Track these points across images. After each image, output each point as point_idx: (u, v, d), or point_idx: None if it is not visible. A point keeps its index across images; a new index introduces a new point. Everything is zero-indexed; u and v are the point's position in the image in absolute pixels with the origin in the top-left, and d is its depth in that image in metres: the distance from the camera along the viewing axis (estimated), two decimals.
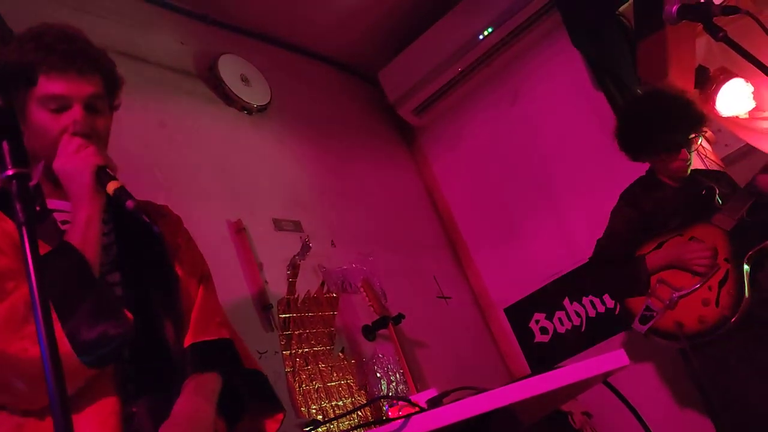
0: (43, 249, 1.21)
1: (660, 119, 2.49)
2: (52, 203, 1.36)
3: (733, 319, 2.24)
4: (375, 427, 0.96)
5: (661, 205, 2.56)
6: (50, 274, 1.16)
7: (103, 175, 1.28)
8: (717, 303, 2.29)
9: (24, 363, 1.13)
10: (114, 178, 1.28)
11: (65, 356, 1.12)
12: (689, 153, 2.51)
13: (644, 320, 2.43)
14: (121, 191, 1.25)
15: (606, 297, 3.38)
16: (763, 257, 2.37)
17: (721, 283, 2.32)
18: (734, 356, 2.27)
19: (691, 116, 2.51)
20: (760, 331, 2.27)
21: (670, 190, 2.59)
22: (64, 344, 1.13)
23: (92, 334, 1.16)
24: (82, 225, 1.27)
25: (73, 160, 1.28)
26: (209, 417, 1.30)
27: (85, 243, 1.26)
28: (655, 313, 2.40)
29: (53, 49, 1.30)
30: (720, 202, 2.48)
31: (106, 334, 1.17)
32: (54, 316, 1.14)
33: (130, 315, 1.22)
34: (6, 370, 1.15)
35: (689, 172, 2.57)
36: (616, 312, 3.33)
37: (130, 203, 1.22)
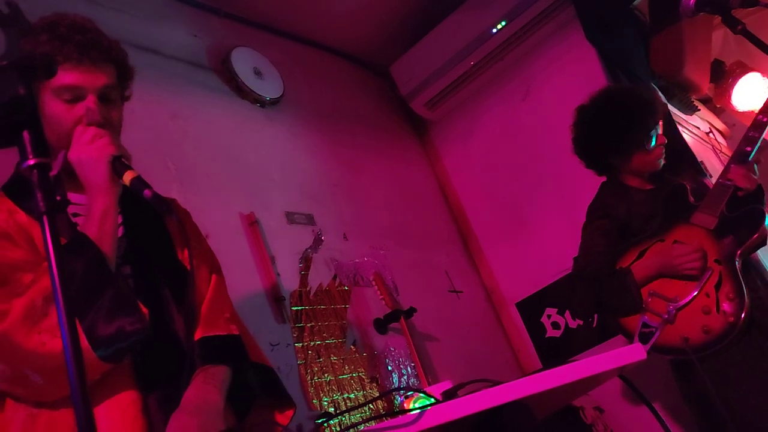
0: None
1: (624, 111, 2.39)
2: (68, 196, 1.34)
3: (740, 324, 2.10)
4: (390, 418, 0.96)
5: (635, 209, 2.43)
6: (66, 269, 1.18)
7: (118, 164, 1.28)
8: (718, 309, 2.15)
9: (41, 357, 1.14)
10: (130, 168, 1.27)
11: (82, 351, 1.13)
12: (658, 148, 2.42)
13: (644, 338, 2.24)
14: (138, 180, 1.24)
15: None
16: (749, 254, 2.25)
17: (717, 287, 2.17)
18: (736, 368, 2.14)
19: (653, 104, 2.43)
20: (760, 339, 2.15)
21: (640, 194, 2.46)
22: (81, 339, 1.12)
23: (110, 330, 1.16)
24: (98, 217, 1.27)
25: (88, 150, 1.28)
26: (219, 405, 1.30)
27: (102, 235, 1.25)
28: (654, 329, 2.23)
29: (67, 39, 1.30)
30: (693, 199, 2.35)
31: (123, 330, 1.17)
32: None
33: (145, 309, 1.22)
34: (23, 365, 1.16)
35: (662, 162, 2.46)
36: None
37: (147, 192, 1.21)
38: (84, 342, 1.13)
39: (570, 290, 2.53)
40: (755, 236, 2.19)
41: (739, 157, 2.26)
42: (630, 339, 2.32)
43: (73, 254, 1.21)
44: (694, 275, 2.21)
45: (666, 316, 2.22)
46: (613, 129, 2.42)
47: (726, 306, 2.14)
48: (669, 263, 2.24)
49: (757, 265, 2.35)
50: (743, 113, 3.88)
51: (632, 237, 2.41)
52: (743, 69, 3.73)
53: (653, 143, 2.42)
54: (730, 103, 3.79)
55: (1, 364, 1.16)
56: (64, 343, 0.73)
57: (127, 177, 1.25)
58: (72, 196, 1.35)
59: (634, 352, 1.13)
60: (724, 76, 3.76)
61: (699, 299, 2.20)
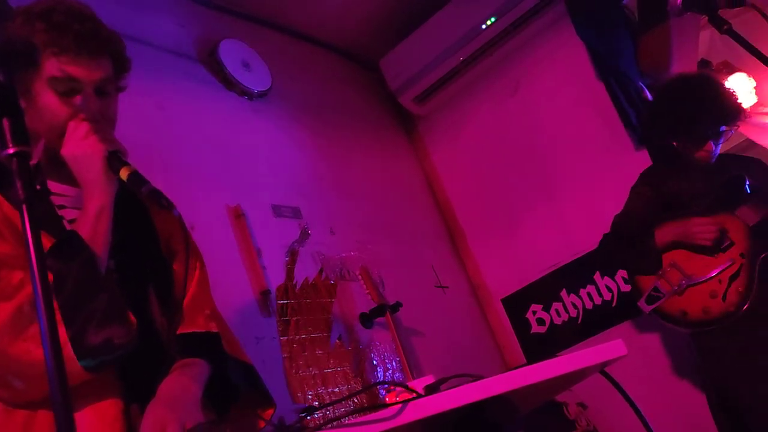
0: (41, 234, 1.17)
1: (698, 106, 2.44)
2: (49, 185, 1.31)
3: (738, 315, 2.24)
4: (372, 412, 0.96)
5: (686, 186, 2.52)
6: (56, 270, 1.14)
7: (114, 160, 1.23)
8: (724, 298, 2.28)
9: (25, 365, 1.11)
10: (126, 164, 1.23)
11: (66, 360, 1.09)
12: (715, 145, 2.48)
13: (650, 300, 2.43)
14: (135, 176, 1.21)
15: (603, 289, 3.38)
16: None
17: (732, 278, 2.30)
18: (734, 353, 2.27)
19: (727, 108, 2.46)
20: (759, 327, 2.25)
21: (697, 172, 2.53)
22: (66, 348, 1.09)
23: (99, 339, 1.12)
24: (92, 216, 1.23)
25: (83, 146, 1.23)
26: (196, 396, 1.26)
27: (95, 236, 1.21)
28: (662, 295, 2.39)
29: (65, 29, 1.24)
30: (749, 192, 2.42)
31: (112, 342, 1.13)
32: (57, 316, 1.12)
33: (134, 318, 1.18)
34: (5, 370, 1.13)
35: (713, 160, 2.51)
36: (613, 305, 3.34)
37: (146, 188, 1.18)
38: (68, 351, 1.10)
39: (602, 243, 2.64)
40: None
41: None
42: (638, 297, 2.48)
43: (66, 256, 1.17)
44: (707, 246, 2.34)
45: (676, 288, 2.37)
46: (689, 116, 2.45)
47: (732, 297, 2.28)
48: (686, 230, 2.38)
49: None
50: None
51: (676, 212, 2.49)
52: (729, 69, 3.76)
53: (704, 145, 2.46)
54: None
55: None
56: (46, 352, 0.71)
57: (124, 173, 1.21)
58: (59, 187, 1.31)
59: (615, 349, 1.14)
60: None
61: (711, 283, 2.34)
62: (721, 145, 2.51)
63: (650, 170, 2.69)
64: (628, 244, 2.51)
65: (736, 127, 2.54)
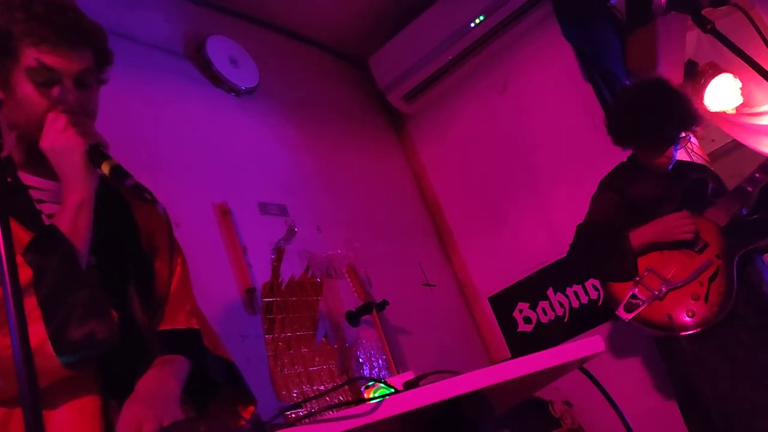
0: (16, 229, 1.14)
1: (654, 114, 2.43)
2: (27, 179, 1.28)
3: (720, 316, 2.23)
4: (348, 407, 0.96)
5: (649, 191, 2.52)
6: (36, 265, 1.12)
7: (95, 154, 1.22)
8: (706, 299, 2.27)
9: (4, 359, 1.08)
10: (108, 157, 1.22)
11: (46, 357, 1.08)
12: (675, 150, 2.49)
13: (629, 308, 2.36)
14: (118, 170, 1.19)
15: (589, 287, 3.39)
16: (753, 253, 2.36)
17: (712, 279, 2.30)
18: (710, 353, 2.26)
19: (684, 114, 2.47)
20: (739, 328, 2.26)
21: (657, 177, 2.54)
22: (45, 345, 1.09)
23: (80, 333, 1.11)
24: (72, 210, 1.21)
25: (61, 139, 1.21)
26: (175, 392, 1.24)
27: (75, 230, 1.20)
28: (641, 302, 2.34)
29: (44, 19, 1.22)
30: (712, 196, 2.44)
31: (94, 337, 1.12)
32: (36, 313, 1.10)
33: (115, 313, 1.17)
34: None
35: (671, 166, 2.53)
36: (599, 303, 3.35)
37: (130, 182, 1.17)
38: (48, 348, 1.09)
39: (570, 250, 2.57)
40: (761, 243, 2.31)
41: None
42: (615, 306, 2.41)
43: (44, 250, 1.15)
44: (689, 240, 2.33)
45: (657, 293, 2.33)
46: (648, 124, 2.45)
47: (714, 297, 2.27)
48: (665, 227, 2.35)
49: (762, 257, 2.46)
50: (715, 114, 3.94)
51: (644, 215, 2.46)
52: (715, 70, 3.78)
53: (664, 151, 2.46)
54: (702, 104, 3.84)
55: None
56: (14, 345, 0.70)
57: (106, 167, 1.20)
58: (37, 181, 1.29)
59: (593, 345, 1.14)
60: (697, 76, 3.81)
61: (692, 285, 2.32)
62: (679, 151, 2.52)
63: (611, 177, 2.66)
64: (601, 250, 2.47)
65: (693, 133, 2.55)
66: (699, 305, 2.27)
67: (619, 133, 2.58)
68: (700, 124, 2.53)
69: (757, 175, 2.34)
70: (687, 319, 2.28)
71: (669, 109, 2.43)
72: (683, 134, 2.48)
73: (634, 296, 2.36)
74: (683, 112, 2.46)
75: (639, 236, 2.40)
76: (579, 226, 2.59)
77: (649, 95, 2.48)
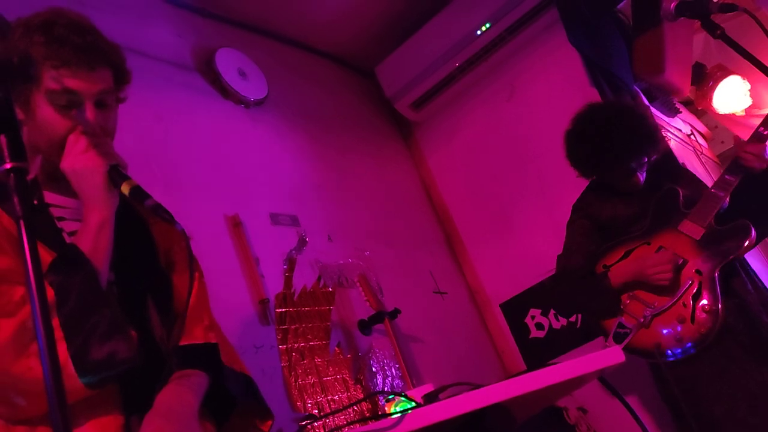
0: (39, 247, 1.13)
1: (615, 147, 2.32)
2: (48, 197, 1.30)
3: (711, 336, 2.14)
4: (371, 422, 0.96)
5: (622, 210, 2.44)
6: (58, 285, 1.13)
7: (115, 174, 1.23)
8: (693, 320, 2.17)
9: (27, 382, 1.10)
10: (127, 178, 1.22)
11: (68, 377, 1.08)
12: (642, 173, 2.39)
13: (618, 338, 2.28)
14: (137, 191, 1.20)
15: None
16: (734, 262, 2.26)
17: (695, 298, 2.20)
18: (705, 374, 2.18)
19: (645, 141, 2.35)
20: (732, 346, 2.18)
21: (630, 196, 2.45)
22: (67, 365, 1.09)
23: (102, 353, 1.11)
24: (94, 230, 1.22)
25: (83, 160, 1.21)
26: (193, 407, 1.25)
27: (96, 251, 1.20)
28: (628, 331, 2.26)
29: (65, 42, 1.22)
30: (685, 206, 2.33)
31: (115, 357, 1.12)
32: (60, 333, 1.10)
33: (134, 333, 1.17)
34: (8, 388, 1.12)
35: (642, 183, 2.41)
36: None
37: (149, 202, 1.18)
38: (70, 368, 1.09)
39: (551, 288, 2.52)
40: (739, 252, 2.21)
41: (756, 138, 2.25)
42: (605, 337, 2.35)
43: (67, 271, 1.16)
44: (665, 286, 2.23)
45: (642, 320, 2.25)
46: (609, 158, 2.35)
47: (701, 317, 2.17)
48: (642, 272, 2.25)
49: (747, 268, 2.37)
50: (724, 116, 3.93)
51: (618, 236, 2.41)
52: (724, 72, 3.77)
53: (632, 177, 2.38)
54: (711, 106, 3.83)
55: None
56: (43, 361, 0.71)
57: (125, 188, 1.21)
58: (58, 199, 1.30)
59: (613, 355, 1.14)
60: (705, 79, 3.80)
61: (676, 308, 2.22)
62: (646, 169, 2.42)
63: (582, 202, 2.58)
64: (582, 293, 2.41)
65: (658, 153, 2.45)
66: (686, 327, 2.18)
67: (581, 165, 2.48)
68: (664, 144, 2.42)
69: (728, 177, 2.24)
70: (675, 344, 2.19)
71: (631, 140, 2.32)
72: (645, 160, 2.38)
73: (621, 325, 2.29)
74: (645, 139, 2.35)
75: (619, 275, 2.32)
76: (559, 258, 2.53)
77: (605, 126, 2.36)
